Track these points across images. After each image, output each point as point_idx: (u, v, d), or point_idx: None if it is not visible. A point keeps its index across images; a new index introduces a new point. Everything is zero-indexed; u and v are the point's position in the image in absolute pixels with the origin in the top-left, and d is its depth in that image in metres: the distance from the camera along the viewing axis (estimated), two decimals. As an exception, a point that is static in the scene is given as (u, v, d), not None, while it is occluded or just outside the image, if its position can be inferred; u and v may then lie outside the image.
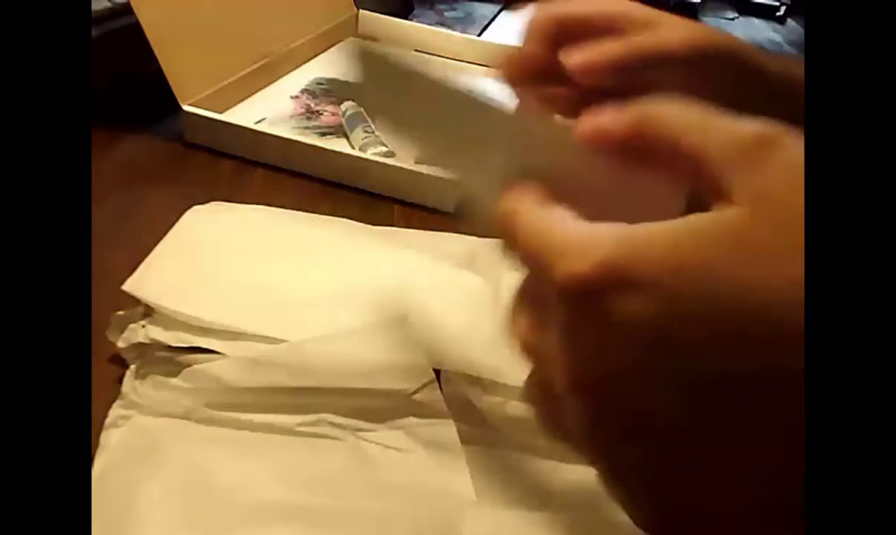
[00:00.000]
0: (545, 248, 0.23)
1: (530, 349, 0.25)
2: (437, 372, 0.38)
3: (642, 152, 0.23)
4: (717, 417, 0.20)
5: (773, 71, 0.40)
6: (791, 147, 0.20)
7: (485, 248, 0.48)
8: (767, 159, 0.20)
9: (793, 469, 0.19)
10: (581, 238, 0.22)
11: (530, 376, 0.26)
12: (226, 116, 0.64)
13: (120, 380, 0.39)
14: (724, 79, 0.37)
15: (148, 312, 0.40)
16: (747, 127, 0.21)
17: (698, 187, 0.22)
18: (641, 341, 0.20)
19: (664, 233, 0.20)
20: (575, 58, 0.34)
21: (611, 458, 0.22)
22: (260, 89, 0.72)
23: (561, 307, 0.22)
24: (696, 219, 0.20)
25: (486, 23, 1.05)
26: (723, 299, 0.19)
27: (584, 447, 0.23)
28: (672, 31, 0.36)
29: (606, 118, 0.24)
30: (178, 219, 0.46)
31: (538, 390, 0.25)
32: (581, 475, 0.36)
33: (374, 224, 0.51)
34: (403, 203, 0.58)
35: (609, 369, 0.21)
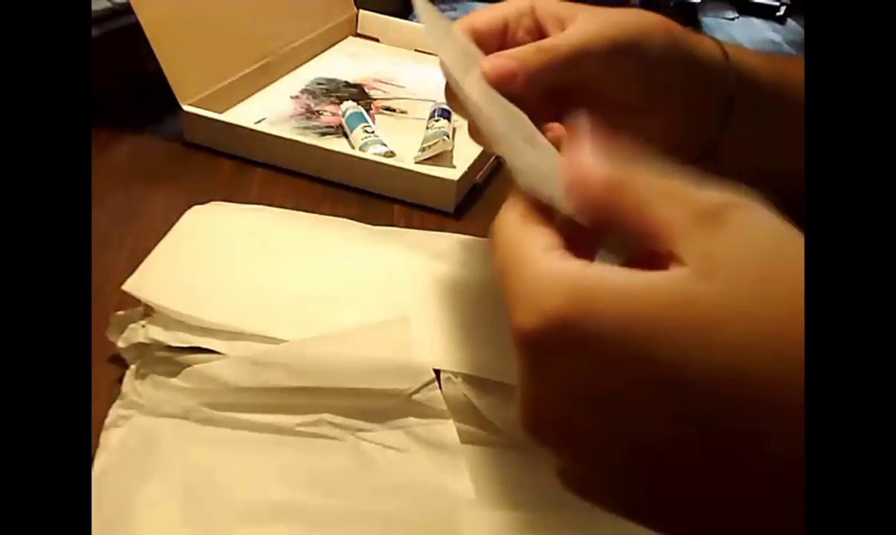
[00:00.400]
0: (506, 286, 0.23)
1: None
2: (437, 372, 0.38)
3: (611, 213, 0.23)
4: (662, 473, 0.21)
5: (705, 54, 0.40)
6: (745, 215, 0.21)
7: (485, 247, 0.48)
8: (719, 226, 0.21)
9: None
10: (537, 285, 0.22)
11: None
12: (226, 116, 0.64)
13: (120, 380, 0.39)
14: (647, 64, 0.38)
15: (148, 312, 0.40)
16: (707, 197, 0.21)
17: (660, 255, 0.22)
18: (586, 395, 0.21)
19: (616, 290, 0.20)
20: (489, 66, 0.34)
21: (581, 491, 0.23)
22: (260, 89, 0.72)
23: (516, 351, 0.23)
24: (647, 278, 0.20)
25: (486, 23, 1.05)
26: (664, 364, 0.19)
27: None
28: (584, 25, 0.37)
29: (584, 172, 0.24)
30: (178, 219, 0.46)
31: None
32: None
33: (374, 224, 0.51)
34: (403, 203, 0.58)
35: (554, 418, 0.22)
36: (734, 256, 0.20)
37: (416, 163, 0.61)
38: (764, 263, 0.20)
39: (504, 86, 0.34)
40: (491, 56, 0.35)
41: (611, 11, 0.38)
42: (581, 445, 0.22)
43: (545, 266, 0.22)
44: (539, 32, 0.39)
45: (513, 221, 0.25)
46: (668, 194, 0.22)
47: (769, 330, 0.19)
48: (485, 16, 0.39)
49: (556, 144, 0.33)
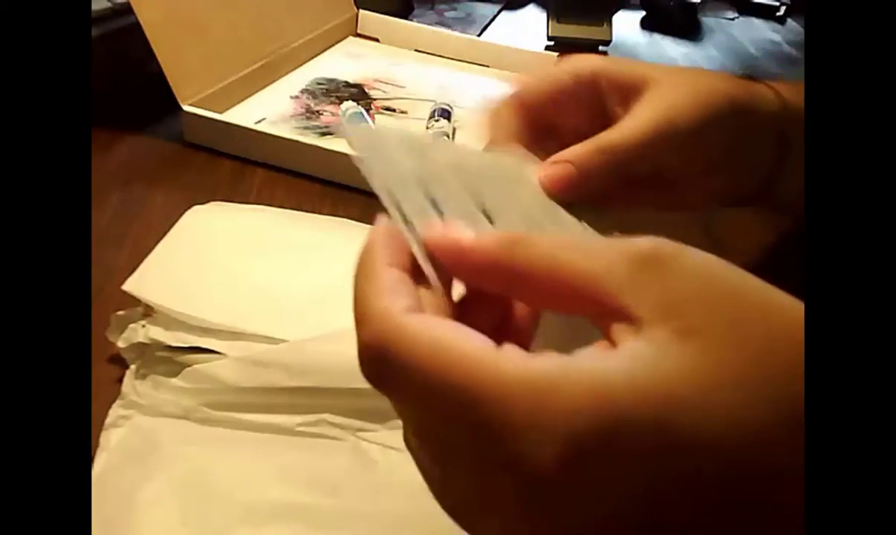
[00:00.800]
0: (490, 429, 0.18)
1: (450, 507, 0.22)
2: (437, 372, 0.38)
3: (510, 273, 0.21)
4: None
5: (764, 108, 0.39)
6: (684, 257, 0.19)
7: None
8: (663, 272, 0.19)
9: None
10: (547, 405, 0.18)
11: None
12: (226, 116, 0.64)
13: (120, 380, 0.39)
14: (709, 140, 0.36)
15: (148, 312, 0.40)
16: (628, 243, 0.20)
17: (583, 313, 0.20)
18: (619, 507, 0.18)
19: (630, 382, 0.18)
20: (546, 177, 0.32)
21: None
22: (260, 89, 0.72)
23: (516, 492, 0.18)
24: (637, 358, 0.18)
25: (486, 23, 1.05)
26: (687, 443, 0.18)
27: None
28: (648, 112, 0.35)
29: (464, 235, 0.22)
30: (178, 219, 0.46)
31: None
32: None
33: (374, 224, 0.51)
34: (403, 203, 0.58)
35: None
36: (697, 303, 0.19)
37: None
38: (724, 302, 0.19)
39: (561, 193, 0.32)
40: (547, 163, 0.33)
41: (677, 81, 0.35)
42: None
43: (535, 378, 0.18)
44: (598, 105, 0.36)
45: (446, 338, 0.19)
46: (580, 247, 0.20)
47: (752, 375, 0.18)
48: (536, 87, 0.36)
49: None
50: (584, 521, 0.18)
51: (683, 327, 0.18)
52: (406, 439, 0.23)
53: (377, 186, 0.24)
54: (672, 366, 0.18)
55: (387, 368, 0.20)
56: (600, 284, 0.19)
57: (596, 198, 0.34)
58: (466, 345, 0.19)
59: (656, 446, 0.17)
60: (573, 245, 0.21)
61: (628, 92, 0.36)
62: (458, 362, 0.19)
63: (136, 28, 0.59)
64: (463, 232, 0.22)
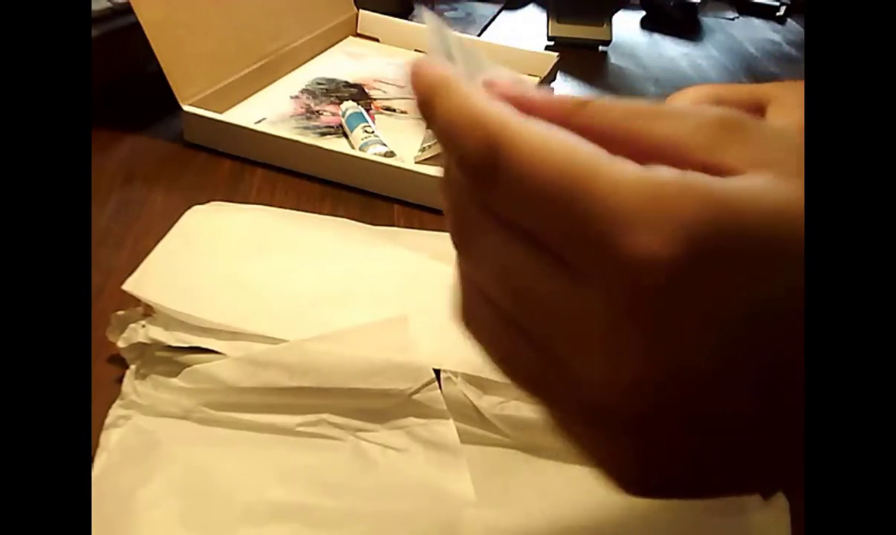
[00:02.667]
0: (594, 201, 0.17)
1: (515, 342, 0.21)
2: (437, 372, 0.38)
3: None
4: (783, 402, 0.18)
5: None
6: (759, 121, 0.20)
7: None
8: (748, 132, 0.19)
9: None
10: (648, 194, 0.17)
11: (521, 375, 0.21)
12: (226, 116, 0.64)
13: (120, 380, 0.39)
14: None
15: (148, 312, 0.40)
16: (712, 111, 0.20)
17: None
18: (724, 322, 0.17)
19: (750, 196, 0.17)
20: None
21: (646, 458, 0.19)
22: (260, 89, 0.72)
23: (620, 295, 0.17)
24: (762, 181, 0.18)
25: (486, 23, 1.05)
26: (790, 269, 0.18)
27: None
28: None
29: (532, 91, 0.21)
30: (178, 219, 0.47)
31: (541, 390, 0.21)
32: (581, 474, 0.36)
33: (374, 224, 0.51)
34: (403, 203, 0.58)
35: (679, 366, 0.18)
36: (788, 153, 0.19)
37: (416, 163, 0.61)
38: (797, 154, 0.19)
39: None
40: None
41: (794, 94, 0.34)
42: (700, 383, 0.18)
43: (656, 179, 0.17)
44: None
45: (562, 139, 0.18)
46: (656, 113, 0.20)
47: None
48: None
49: None
50: (684, 336, 0.17)
51: (783, 172, 0.18)
52: (483, 286, 0.21)
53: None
54: (788, 189, 0.18)
55: (497, 172, 0.18)
56: (687, 146, 0.19)
57: None
58: (584, 147, 0.18)
59: (771, 260, 0.17)
60: (648, 111, 0.20)
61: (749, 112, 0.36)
62: (576, 163, 0.18)
63: (136, 28, 0.59)
64: (530, 89, 0.21)
